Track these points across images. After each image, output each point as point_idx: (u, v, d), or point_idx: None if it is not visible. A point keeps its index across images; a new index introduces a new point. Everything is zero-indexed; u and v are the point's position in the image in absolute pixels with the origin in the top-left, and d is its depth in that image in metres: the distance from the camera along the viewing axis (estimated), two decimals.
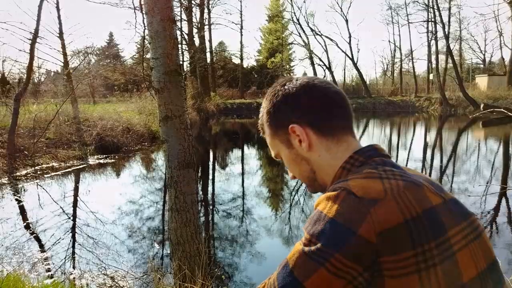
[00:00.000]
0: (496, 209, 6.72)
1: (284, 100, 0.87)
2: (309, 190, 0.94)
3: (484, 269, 0.71)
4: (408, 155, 13.43)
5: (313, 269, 0.66)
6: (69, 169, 10.30)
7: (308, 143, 0.84)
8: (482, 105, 23.52)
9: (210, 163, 13.21)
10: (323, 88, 0.86)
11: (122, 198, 7.93)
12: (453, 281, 0.67)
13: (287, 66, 43.30)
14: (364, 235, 0.64)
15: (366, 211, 0.66)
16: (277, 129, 0.89)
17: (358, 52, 65.48)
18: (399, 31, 54.23)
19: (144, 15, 3.75)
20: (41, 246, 5.33)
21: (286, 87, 0.88)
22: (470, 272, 0.69)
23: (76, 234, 5.84)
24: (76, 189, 8.73)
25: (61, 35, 14.15)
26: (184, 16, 27.16)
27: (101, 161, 11.59)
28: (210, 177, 10.71)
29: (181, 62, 3.68)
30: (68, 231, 5.94)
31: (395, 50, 46.61)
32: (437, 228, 0.68)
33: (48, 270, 4.47)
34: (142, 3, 3.92)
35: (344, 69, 59.59)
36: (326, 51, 39.67)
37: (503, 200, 7.19)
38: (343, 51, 39.47)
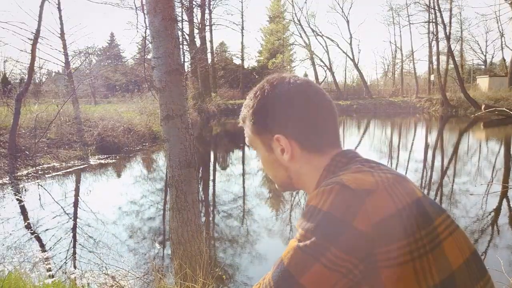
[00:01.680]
0: (498, 208, 6.71)
1: (274, 105, 0.83)
2: (279, 189, 0.93)
3: (469, 257, 0.73)
4: (409, 155, 13.42)
5: (309, 265, 0.66)
6: (70, 169, 10.31)
7: (291, 155, 0.83)
8: (483, 106, 23.50)
9: (211, 163, 13.21)
10: (318, 100, 0.84)
11: (123, 198, 7.94)
12: (443, 268, 0.68)
13: (288, 67, 43.29)
14: (359, 227, 0.64)
15: (361, 202, 0.66)
16: (260, 131, 0.86)
17: (359, 52, 65.58)
18: (400, 32, 54.43)
19: (145, 15, 3.76)
20: (42, 245, 5.33)
21: (277, 90, 0.83)
22: (457, 260, 0.70)
23: (77, 234, 5.84)
24: (77, 189, 8.74)
25: (62, 35, 14.18)
26: (185, 17, 27.20)
27: (102, 161, 11.60)
28: (211, 177, 10.71)
29: (182, 62, 3.68)
30: (69, 231, 5.95)
31: (396, 51, 46.50)
32: (425, 217, 0.70)
33: (49, 269, 4.47)
34: (144, 3, 3.93)
35: (345, 70, 58.96)
36: (327, 51, 39.67)
37: (504, 200, 7.19)
38: (344, 52, 39.41)
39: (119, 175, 10.77)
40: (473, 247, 0.76)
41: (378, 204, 0.66)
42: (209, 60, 34.53)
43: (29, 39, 11.58)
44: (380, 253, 0.64)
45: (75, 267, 4.58)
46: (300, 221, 0.71)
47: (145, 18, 4.09)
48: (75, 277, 4.25)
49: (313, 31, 39.63)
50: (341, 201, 0.67)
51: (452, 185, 8.64)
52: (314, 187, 0.82)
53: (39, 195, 8.11)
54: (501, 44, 37.91)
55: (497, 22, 37.38)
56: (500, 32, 37.58)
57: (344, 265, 0.65)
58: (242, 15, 38.70)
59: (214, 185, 9.60)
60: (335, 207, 0.66)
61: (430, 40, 34.36)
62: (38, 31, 11.42)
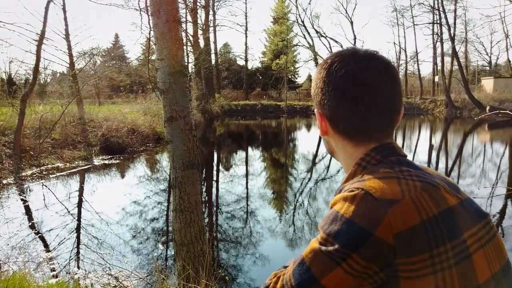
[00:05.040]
0: (502, 211, 6.67)
1: (324, 80, 0.81)
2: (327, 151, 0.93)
3: (498, 271, 0.71)
4: (413, 157, 13.37)
5: (330, 268, 0.67)
6: (74, 170, 10.35)
7: (323, 131, 0.84)
8: (488, 107, 23.41)
9: (215, 164, 13.22)
10: (373, 89, 0.77)
11: (126, 198, 7.96)
12: (468, 283, 0.66)
13: (292, 68, 43.28)
14: (381, 236, 0.64)
15: (384, 212, 0.65)
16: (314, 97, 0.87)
17: None
18: (404, 33, 53.89)
19: (149, 16, 3.77)
20: (46, 246, 5.36)
21: (337, 66, 0.79)
22: (484, 274, 0.69)
23: (81, 234, 5.87)
24: (81, 190, 8.77)
25: (67, 36, 14.26)
26: (189, 18, 27.25)
27: (106, 161, 11.64)
28: (215, 178, 10.71)
29: (186, 64, 3.69)
30: (73, 231, 5.97)
31: (400, 52, 46.50)
32: (453, 229, 0.67)
33: (53, 269, 4.49)
34: (148, 4, 3.95)
35: None
36: (331, 52, 39.56)
37: (509, 203, 7.14)
38: None
39: (123, 176, 10.80)
40: (506, 258, 0.73)
41: (401, 214, 0.65)
42: (213, 61, 34.60)
43: (34, 40, 11.65)
44: (401, 263, 0.64)
45: (78, 267, 4.60)
46: (322, 223, 0.71)
47: (149, 19, 4.10)
48: (78, 278, 4.26)
49: (317, 32, 39.49)
50: (363, 210, 0.66)
51: None
52: (348, 175, 0.81)
53: (44, 195, 8.15)
54: (506, 45, 37.78)
55: (502, 23, 37.19)
56: (505, 33, 37.40)
57: (365, 271, 0.66)
58: (246, 16, 38.99)
59: (217, 186, 9.60)
60: (358, 215, 0.66)
61: (435, 41, 34.33)
62: (43, 32, 11.49)
